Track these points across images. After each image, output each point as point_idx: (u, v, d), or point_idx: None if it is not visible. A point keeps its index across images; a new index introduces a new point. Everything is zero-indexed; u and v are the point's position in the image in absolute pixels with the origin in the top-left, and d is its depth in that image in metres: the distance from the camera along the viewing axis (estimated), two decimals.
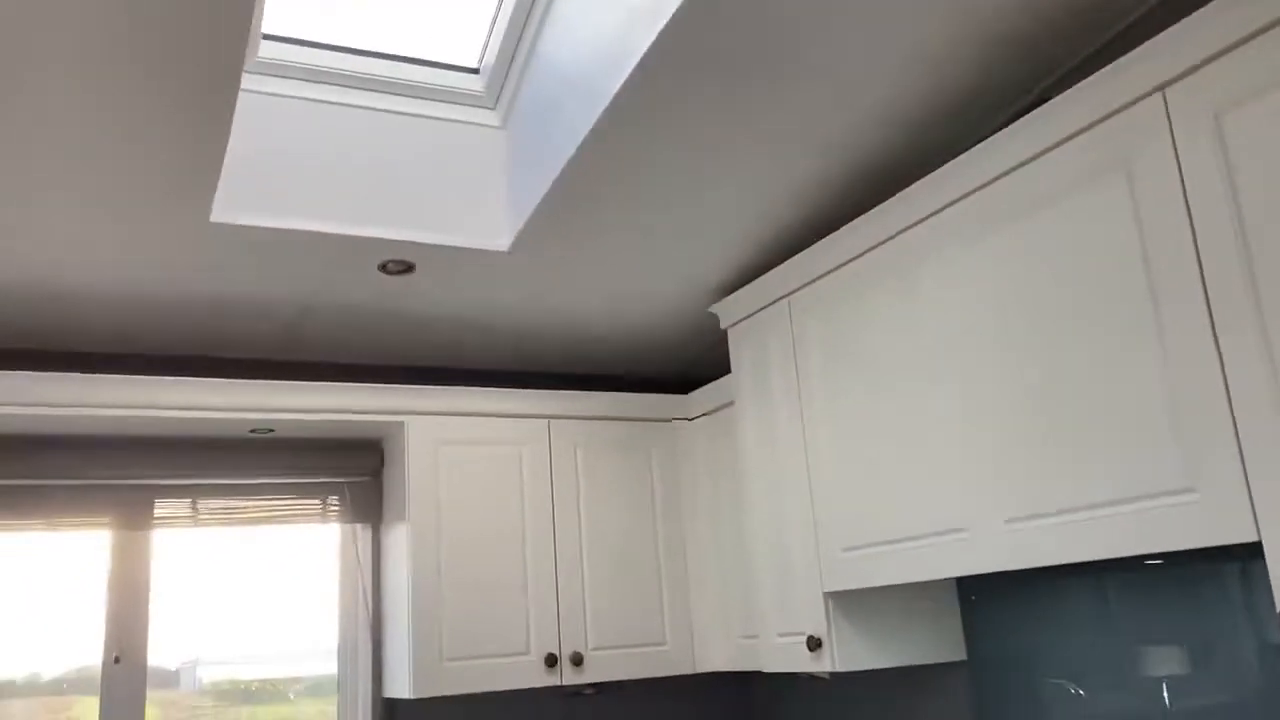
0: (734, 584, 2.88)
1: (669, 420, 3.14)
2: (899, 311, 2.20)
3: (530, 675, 2.76)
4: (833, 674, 2.87)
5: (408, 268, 2.50)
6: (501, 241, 2.45)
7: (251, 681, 2.94)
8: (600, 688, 3.14)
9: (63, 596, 2.74)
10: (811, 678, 3.03)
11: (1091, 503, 1.75)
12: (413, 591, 2.71)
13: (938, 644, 2.52)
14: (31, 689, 2.71)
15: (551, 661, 2.78)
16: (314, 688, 2.99)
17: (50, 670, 2.73)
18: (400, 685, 2.72)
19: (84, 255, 2.29)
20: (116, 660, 2.73)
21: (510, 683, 2.73)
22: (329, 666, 2.97)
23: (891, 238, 2.22)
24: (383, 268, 2.49)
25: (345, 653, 2.96)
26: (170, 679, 2.87)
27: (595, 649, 2.86)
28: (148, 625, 2.77)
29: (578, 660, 2.81)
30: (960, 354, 2.04)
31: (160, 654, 2.81)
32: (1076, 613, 2.23)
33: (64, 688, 2.73)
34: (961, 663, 2.54)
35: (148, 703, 2.75)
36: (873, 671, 2.83)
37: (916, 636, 2.49)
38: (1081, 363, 1.78)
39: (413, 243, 2.39)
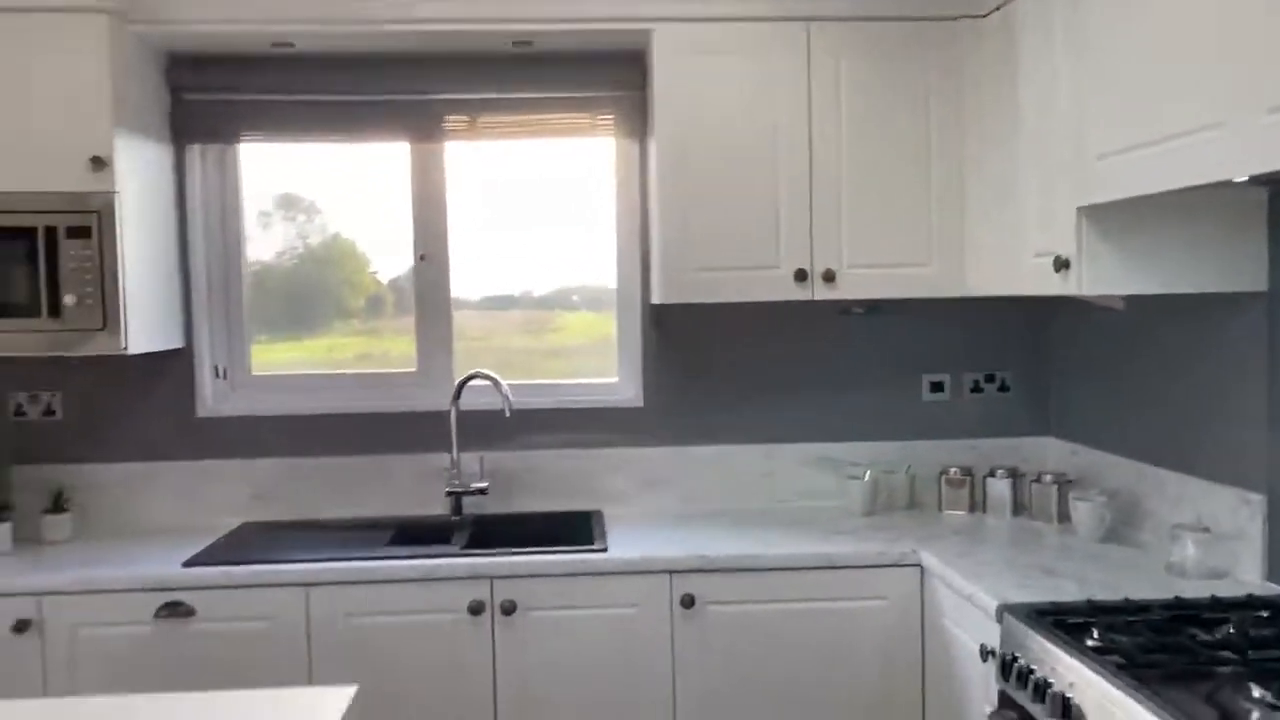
0: (1009, 203, 2.60)
1: (954, 18, 2.75)
2: None
3: (779, 289, 2.76)
4: (1125, 300, 2.58)
5: None
6: None
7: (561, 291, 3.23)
8: (871, 308, 3.08)
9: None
10: (1105, 308, 2.74)
11: None
12: (661, 202, 2.75)
13: (1226, 271, 2.15)
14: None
15: (801, 276, 2.75)
16: (594, 299, 3.23)
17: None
18: (657, 292, 2.86)
19: None
20: (422, 258, 3.11)
21: (757, 295, 2.76)
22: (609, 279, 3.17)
23: None
24: None
25: (621, 263, 3.14)
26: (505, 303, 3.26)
27: (851, 266, 2.77)
28: (446, 228, 3.11)
29: (830, 277, 2.76)
30: None
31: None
32: None
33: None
34: (1259, 294, 2.16)
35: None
36: (1167, 301, 2.49)
37: (1194, 261, 2.14)
38: None
39: None
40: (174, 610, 2.46)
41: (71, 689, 2.42)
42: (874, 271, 2.78)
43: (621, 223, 3.12)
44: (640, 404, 3.12)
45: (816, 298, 2.78)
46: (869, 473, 2.99)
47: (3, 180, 2.54)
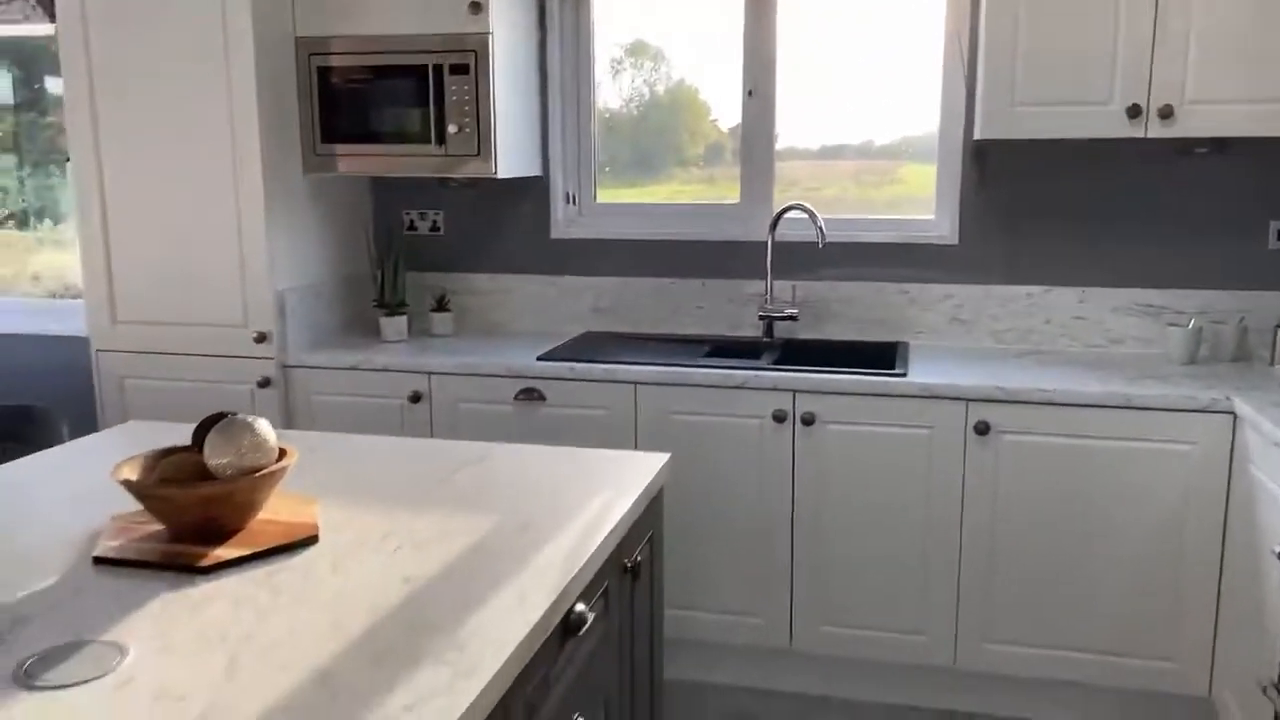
0: None
1: None
2: None
3: (1108, 125, 2.68)
4: None
5: None
6: None
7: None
8: (1216, 147, 2.88)
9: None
10: None
11: None
12: (989, 33, 2.73)
13: None
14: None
15: (1135, 112, 2.65)
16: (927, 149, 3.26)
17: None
18: (979, 127, 2.86)
19: None
20: (750, 94, 3.29)
21: (1083, 131, 2.70)
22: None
23: None
24: None
25: (946, 97, 3.14)
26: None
27: (1194, 102, 2.62)
28: (775, 63, 3.25)
29: (1167, 113, 2.63)
30: None
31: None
32: None
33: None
34: None
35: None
36: None
37: None
38: None
39: None
40: (529, 395, 2.93)
41: None
42: (1221, 108, 2.61)
43: (948, 56, 3.11)
44: (955, 241, 3.16)
45: (1150, 135, 2.66)
46: (1193, 320, 2.88)
47: (401, 24, 3.00)
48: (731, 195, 3.40)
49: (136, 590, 1.36)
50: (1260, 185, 2.93)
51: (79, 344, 3.37)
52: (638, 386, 2.86)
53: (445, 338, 3.34)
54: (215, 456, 1.49)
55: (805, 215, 3.12)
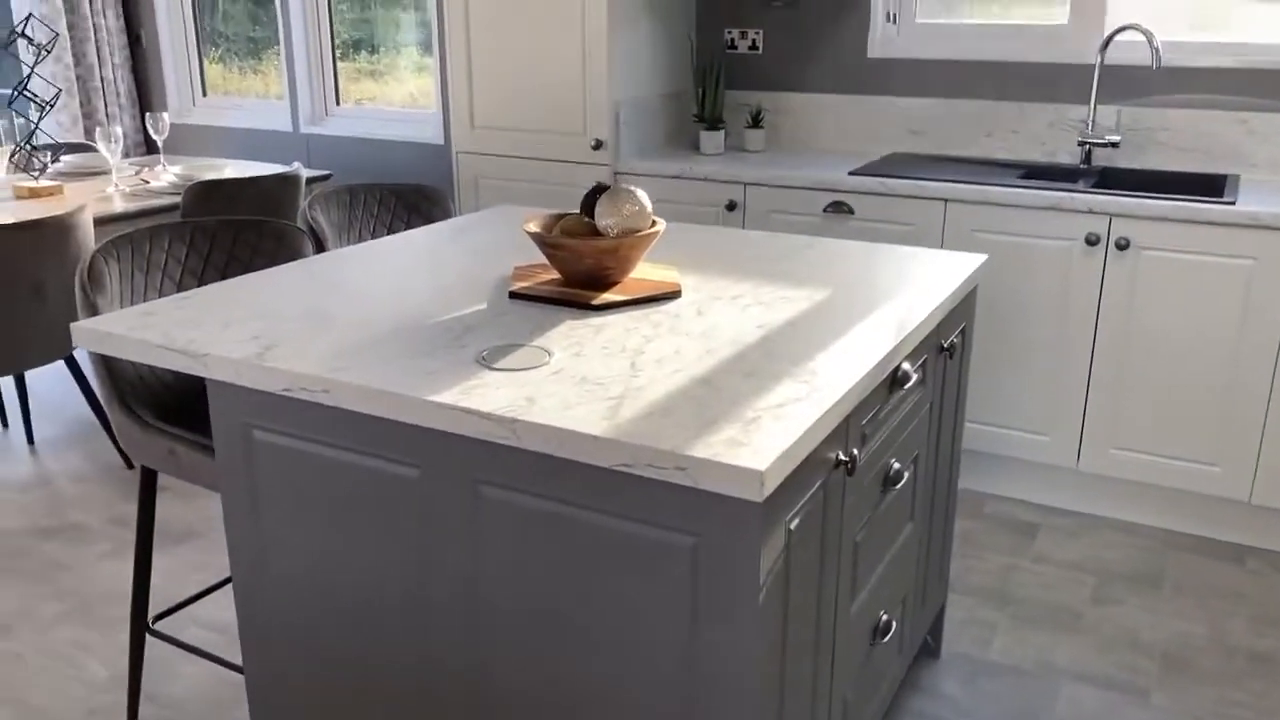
0: None
1: None
2: None
3: None
4: None
5: None
6: None
7: None
8: None
9: None
10: None
11: None
12: None
13: None
14: None
15: None
16: None
17: None
18: None
19: None
20: None
21: None
22: None
23: None
24: None
25: None
26: None
27: None
28: None
29: None
30: None
31: None
32: None
33: None
34: None
35: None
36: None
37: None
38: None
39: None
40: (838, 208, 3.10)
41: None
42: None
43: None
44: None
45: None
46: None
47: None
48: (1058, 17, 3.31)
49: (548, 316, 1.71)
50: None
51: (434, 149, 3.86)
52: (947, 204, 2.95)
53: (758, 153, 3.54)
54: (604, 217, 1.79)
55: (1141, 36, 3.01)
